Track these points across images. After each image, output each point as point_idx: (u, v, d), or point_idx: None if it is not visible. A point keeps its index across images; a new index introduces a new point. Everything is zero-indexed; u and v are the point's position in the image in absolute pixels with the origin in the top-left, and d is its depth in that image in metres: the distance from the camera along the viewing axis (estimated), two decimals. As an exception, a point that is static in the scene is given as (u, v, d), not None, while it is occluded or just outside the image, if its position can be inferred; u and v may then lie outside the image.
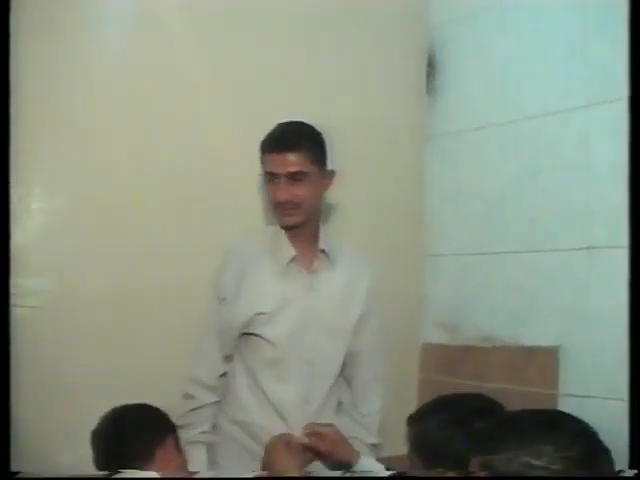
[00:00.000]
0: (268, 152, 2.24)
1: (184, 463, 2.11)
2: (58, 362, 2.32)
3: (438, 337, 2.98)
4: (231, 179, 2.59)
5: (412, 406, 2.70)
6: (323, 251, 2.32)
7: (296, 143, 2.22)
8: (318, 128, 2.30)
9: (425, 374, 3.01)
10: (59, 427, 2.29)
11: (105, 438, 2.02)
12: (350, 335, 2.34)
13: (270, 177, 2.25)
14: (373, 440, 2.40)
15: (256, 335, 2.27)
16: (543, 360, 2.53)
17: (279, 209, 2.27)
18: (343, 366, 2.38)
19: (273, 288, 2.27)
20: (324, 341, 2.29)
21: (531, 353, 2.58)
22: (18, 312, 2.27)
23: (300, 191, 2.23)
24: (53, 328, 2.34)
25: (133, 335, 2.41)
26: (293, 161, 2.21)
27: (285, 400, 2.27)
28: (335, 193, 2.51)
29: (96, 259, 2.41)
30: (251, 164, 2.36)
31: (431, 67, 3.06)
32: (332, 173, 2.33)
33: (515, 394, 2.56)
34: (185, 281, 2.47)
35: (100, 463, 2.01)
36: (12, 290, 2.22)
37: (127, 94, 2.46)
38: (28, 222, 2.36)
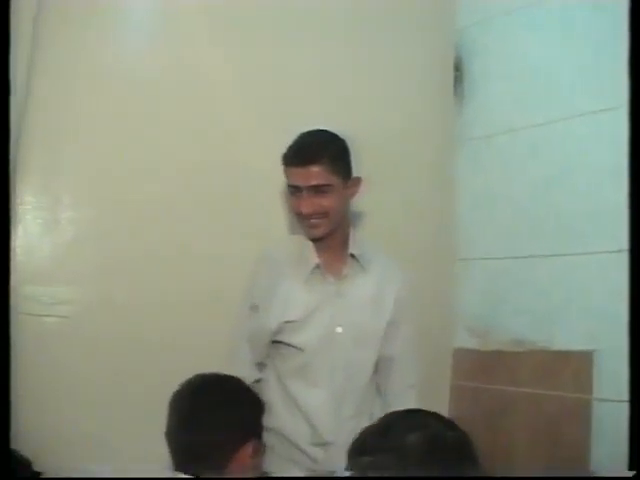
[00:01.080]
0: (290, 165, 2.25)
1: (259, 472, 1.99)
2: (87, 370, 2.33)
3: (469, 342, 2.95)
4: (262, 185, 2.58)
5: (444, 412, 2.68)
6: (353, 256, 2.33)
7: (318, 155, 2.22)
8: (341, 135, 2.30)
9: (457, 380, 2.99)
10: (78, 436, 2.30)
11: (181, 421, 1.86)
12: (380, 341, 2.34)
13: (294, 190, 2.27)
14: None
15: (286, 343, 2.29)
16: (577, 364, 2.51)
17: (304, 221, 2.29)
18: (375, 373, 2.38)
19: (301, 296, 2.28)
20: (354, 347, 2.29)
21: (564, 357, 2.57)
22: (49, 321, 2.31)
23: (325, 202, 2.24)
24: (82, 337, 2.35)
25: (163, 344, 2.42)
26: (316, 174, 2.22)
27: (316, 407, 2.27)
28: (363, 198, 2.49)
29: (125, 268, 2.42)
30: (280, 169, 2.35)
31: (458, 70, 3.05)
32: (358, 180, 2.33)
33: (548, 399, 2.57)
34: (215, 290, 2.48)
35: (169, 441, 1.88)
36: (44, 299, 2.31)
37: (153, 99, 2.48)
38: (57, 232, 2.38)
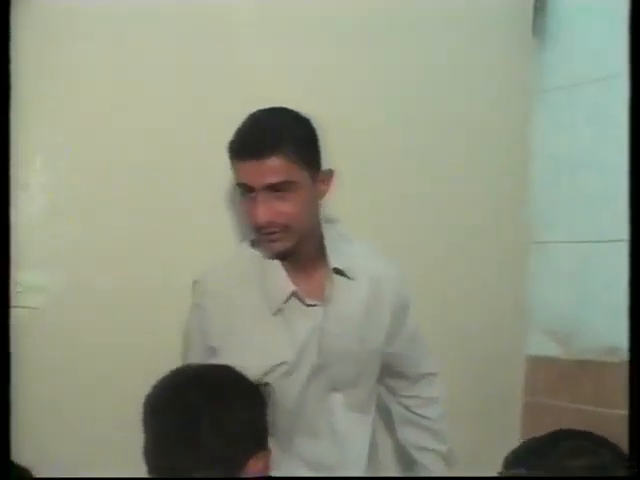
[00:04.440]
0: (238, 157, 1.94)
1: None
2: (60, 371, 2.21)
3: (548, 349, 2.89)
4: None
5: (515, 435, 2.84)
6: (337, 270, 2.09)
7: (275, 142, 1.90)
8: (305, 116, 2.02)
9: (531, 396, 2.92)
10: (61, 443, 2.20)
11: (168, 433, 1.65)
12: (377, 362, 2.20)
13: (245, 190, 1.96)
14: (444, 448, 2.32)
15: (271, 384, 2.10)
16: (691, 380, 2.36)
17: (261, 233, 1.99)
18: (387, 376, 2.29)
19: (279, 331, 2.05)
20: (349, 378, 2.15)
21: (672, 371, 2.40)
22: (17, 314, 2.11)
23: (287, 207, 1.93)
24: (55, 332, 2.22)
25: (146, 339, 2.30)
26: (274, 168, 1.89)
27: (320, 458, 2.14)
28: (419, 161, 2.48)
29: (105, 253, 2.28)
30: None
31: (540, 1, 2.92)
32: (330, 174, 2.03)
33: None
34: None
35: (150, 460, 1.67)
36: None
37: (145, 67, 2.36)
38: (28, 206, 2.26)
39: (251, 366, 1.96)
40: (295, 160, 1.90)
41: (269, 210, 1.91)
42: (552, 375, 2.84)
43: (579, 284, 2.79)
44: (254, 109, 2.19)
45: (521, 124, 2.95)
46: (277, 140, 1.89)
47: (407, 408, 2.31)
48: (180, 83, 2.41)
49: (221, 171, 2.33)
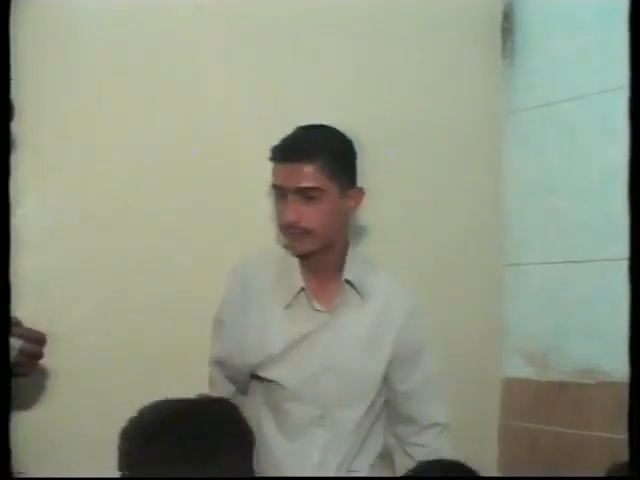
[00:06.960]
0: (277, 161, 2.15)
1: None
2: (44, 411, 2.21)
3: (523, 371, 2.88)
4: (247, 186, 2.54)
5: (491, 458, 2.86)
6: (349, 282, 2.23)
7: (312, 151, 2.11)
8: (347, 135, 2.21)
9: (507, 418, 2.91)
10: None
11: None
12: (375, 389, 2.24)
13: (278, 192, 2.16)
14: None
15: (263, 378, 2.22)
16: (667, 401, 2.36)
17: (287, 233, 2.18)
18: (387, 418, 2.32)
19: (280, 323, 2.20)
20: (341, 396, 2.20)
21: (648, 392, 2.40)
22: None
23: (312, 213, 2.12)
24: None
25: (130, 360, 2.32)
26: (306, 174, 2.10)
27: (293, 464, 2.19)
28: (390, 185, 2.47)
29: (86, 278, 2.30)
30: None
31: (508, 22, 2.94)
32: (360, 192, 2.22)
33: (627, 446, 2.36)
34: (190, 299, 2.41)
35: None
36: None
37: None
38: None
39: (246, 354, 2.19)
40: (326, 171, 2.10)
41: (296, 212, 2.09)
42: (528, 397, 2.83)
43: (554, 305, 2.79)
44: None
45: (492, 146, 2.96)
46: (313, 149, 2.10)
47: (412, 457, 2.26)
48: (183, 86, 2.45)
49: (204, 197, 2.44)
